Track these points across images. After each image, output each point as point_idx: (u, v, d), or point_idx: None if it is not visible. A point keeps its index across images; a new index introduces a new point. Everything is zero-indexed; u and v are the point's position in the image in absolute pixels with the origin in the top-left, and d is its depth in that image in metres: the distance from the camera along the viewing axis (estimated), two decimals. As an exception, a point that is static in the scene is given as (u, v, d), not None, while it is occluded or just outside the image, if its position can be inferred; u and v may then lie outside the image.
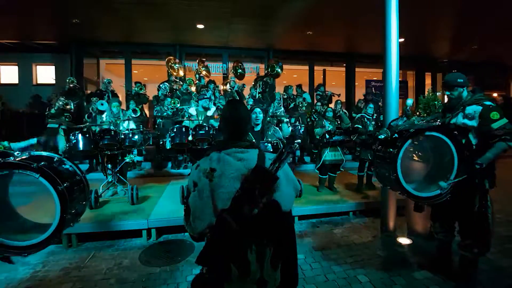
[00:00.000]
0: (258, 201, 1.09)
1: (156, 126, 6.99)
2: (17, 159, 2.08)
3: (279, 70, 7.30)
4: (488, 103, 2.29)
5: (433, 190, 2.37)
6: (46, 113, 5.87)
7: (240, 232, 1.07)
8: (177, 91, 7.38)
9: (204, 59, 8.85)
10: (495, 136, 2.24)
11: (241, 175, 1.15)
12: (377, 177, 2.78)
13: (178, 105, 6.43)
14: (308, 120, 7.24)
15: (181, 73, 8.51)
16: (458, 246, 2.51)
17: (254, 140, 2.97)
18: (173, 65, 8.12)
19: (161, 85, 7.64)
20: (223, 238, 1.09)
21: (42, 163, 2.06)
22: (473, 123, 2.31)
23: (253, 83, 8.41)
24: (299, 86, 8.70)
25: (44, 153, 2.32)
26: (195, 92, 7.48)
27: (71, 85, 6.97)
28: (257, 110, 3.14)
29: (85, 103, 7.24)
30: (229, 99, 1.53)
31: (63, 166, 2.36)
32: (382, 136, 2.51)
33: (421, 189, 2.40)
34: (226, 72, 10.48)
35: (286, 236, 1.25)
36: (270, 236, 1.18)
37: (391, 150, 2.36)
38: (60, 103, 5.80)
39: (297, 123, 6.52)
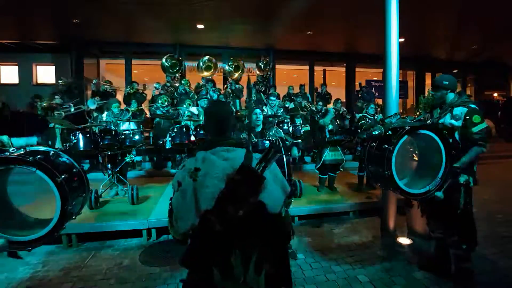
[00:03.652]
0: (243, 202, 1.06)
1: (153, 126, 6.96)
2: (13, 154, 2.03)
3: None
4: (473, 106, 2.41)
5: (421, 187, 2.44)
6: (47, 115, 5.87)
7: (224, 234, 1.04)
8: (175, 92, 7.35)
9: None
10: (473, 140, 2.36)
11: (226, 175, 1.11)
12: (370, 174, 2.80)
13: (167, 103, 6.44)
14: (309, 121, 7.23)
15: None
16: (447, 243, 2.56)
17: (256, 140, 2.98)
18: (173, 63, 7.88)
19: (155, 85, 7.60)
20: (206, 240, 1.06)
21: (39, 156, 2.01)
22: (459, 123, 2.41)
23: (252, 83, 8.40)
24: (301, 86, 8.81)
25: (40, 148, 2.27)
26: (193, 93, 7.46)
27: (63, 84, 6.89)
28: (257, 111, 3.15)
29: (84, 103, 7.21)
30: (211, 100, 1.56)
31: (60, 159, 2.31)
32: (376, 133, 2.55)
33: (410, 186, 2.47)
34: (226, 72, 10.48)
35: (274, 240, 1.18)
36: (255, 239, 1.12)
37: (386, 146, 2.40)
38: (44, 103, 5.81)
39: (297, 124, 6.51)
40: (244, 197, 1.06)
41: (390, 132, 2.48)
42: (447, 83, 2.51)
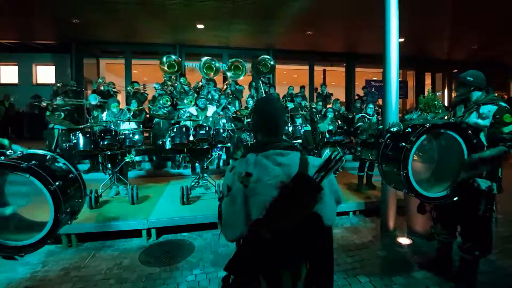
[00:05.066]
0: (297, 213, 0.99)
1: (153, 125, 6.96)
2: (8, 158, 2.02)
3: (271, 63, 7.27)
4: (503, 104, 2.23)
5: (439, 190, 2.29)
6: (47, 114, 5.88)
7: (273, 244, 0.98)
8: (174, 91, 7.34)
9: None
10: (502, 139, 2.17)
11: (280, 182, 1.03)
12: (382, 174, 2.62)
13: (169, 103, 6.44)
14: (309, 121, 7.24)
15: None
16: (459, 248, 2.49)
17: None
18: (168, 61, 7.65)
19: (155, 85, 7.53)
20: (255, 249, 1.00)
21: (33, 162, 1.98)
22: (486, 123, 2.22)
23: (252, 83, 8.38)
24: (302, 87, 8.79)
25: (37, 151, 2.24)
26: (192, 91, 7.45)
27: (73, 88, 6.92)
28: None
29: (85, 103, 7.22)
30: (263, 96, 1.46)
31: (56, 164, 2.28)
32: (395, 129, 2.40)
33: (425, 189, 2.30)
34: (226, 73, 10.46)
35: (326, 254, 1.11)
36: (307, 253, 1.06)
37: (403, 144, 2.19)
38: (55, 102, 5.83)
39: (297, 124, 6.51)
40: (298, 208, 0.99)
41: (409, 129, 2.31)
42: (471, 79, 2.32)
